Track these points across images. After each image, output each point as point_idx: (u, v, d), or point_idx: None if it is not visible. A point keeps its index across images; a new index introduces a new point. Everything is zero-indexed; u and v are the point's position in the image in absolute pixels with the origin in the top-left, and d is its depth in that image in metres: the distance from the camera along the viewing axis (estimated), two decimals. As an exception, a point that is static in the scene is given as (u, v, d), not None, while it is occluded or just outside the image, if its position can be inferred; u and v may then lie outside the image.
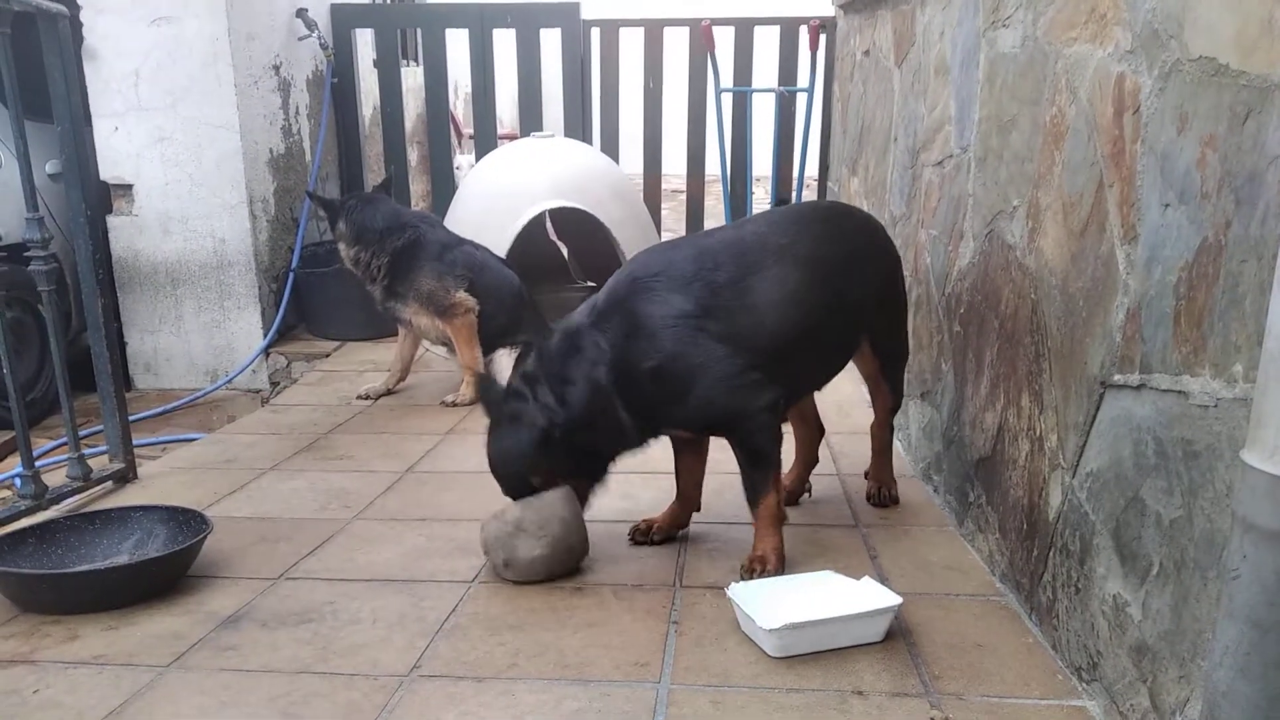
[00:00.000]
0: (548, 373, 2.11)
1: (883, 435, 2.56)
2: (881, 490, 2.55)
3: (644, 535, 2.34)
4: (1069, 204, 1.76)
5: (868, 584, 1.96)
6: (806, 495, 2.57)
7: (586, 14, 5.21)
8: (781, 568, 2.10)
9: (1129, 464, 1.52)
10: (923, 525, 2.42)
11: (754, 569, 2.09)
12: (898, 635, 1.88)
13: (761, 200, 7.46)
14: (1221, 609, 1.15)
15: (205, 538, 2.22)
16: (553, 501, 2.13)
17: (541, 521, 2.10)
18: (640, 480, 2.75)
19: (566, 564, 2.16)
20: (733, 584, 1.95)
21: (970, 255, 2.32)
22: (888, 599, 1.88)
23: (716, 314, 2.05)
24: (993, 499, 2.16)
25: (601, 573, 2.19)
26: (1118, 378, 1.55)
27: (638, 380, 2.04)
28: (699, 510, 2.40)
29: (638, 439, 2.14)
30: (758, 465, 2.12)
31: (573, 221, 4.62)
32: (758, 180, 6.63)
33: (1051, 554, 1.82)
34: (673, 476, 2.36)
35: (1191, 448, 1.33)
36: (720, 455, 2.36)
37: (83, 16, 4.14)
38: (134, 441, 2.96)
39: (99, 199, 4.09)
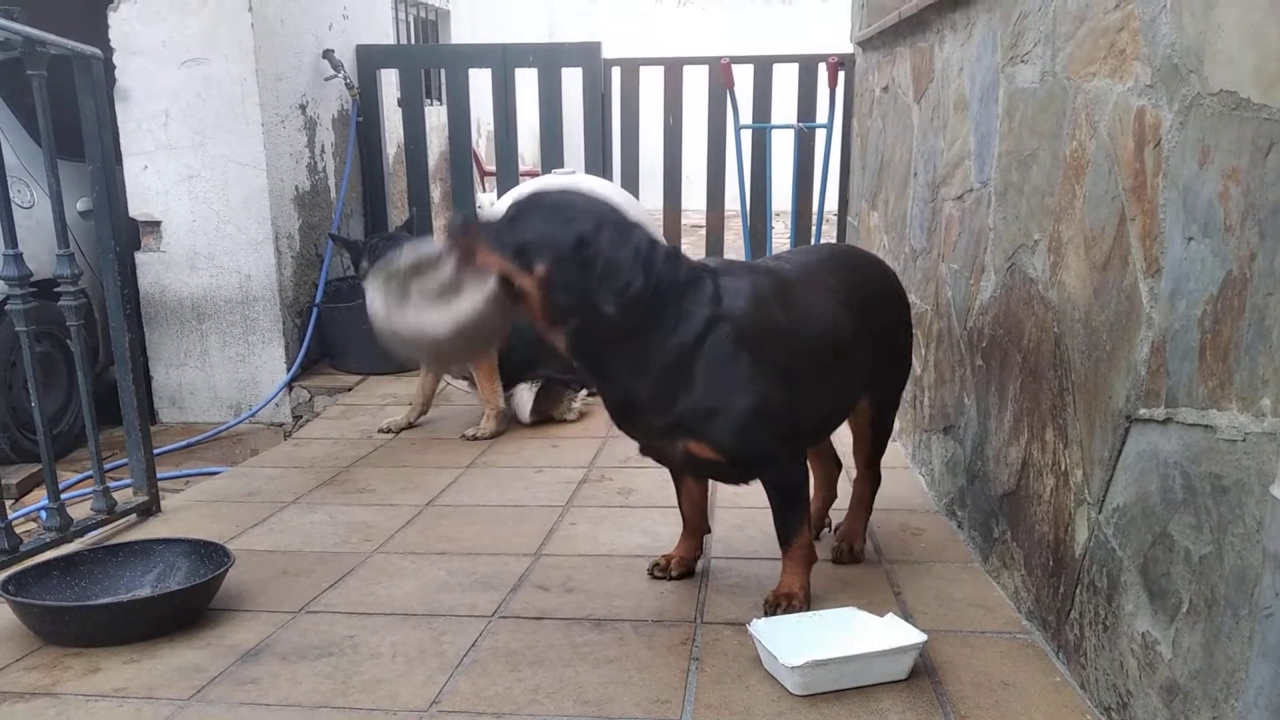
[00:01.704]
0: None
1: (864, 487, 2.47)
2: (843, 545, 2.41)
3: (663, 571, 2.33)
4: (1090, 238, 1.75)
5: (892, 621, 1.93)
6: (827, 530, 2.55)
7: (607, 53, 5.28)
8: (807, 606, 2.08)
9: (1156, 499, 1.50)
10: (947, 561, 2.39)
11: (779, 604, 2.07)
12: (923, 673, 1.86)
13: (781, 235, 7.48)
14: (1255, 648, 1.13)
15: (227, 571, 2.22)
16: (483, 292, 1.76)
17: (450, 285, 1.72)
18: (659, 515, 2.74)
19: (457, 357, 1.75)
20: (755, 620, 1.93)
21: (992, 289, 2.31)
22: (912, 636, 1.86)
23: (780, 344, 2.01)
24: (1018, 535, 2.13)
25: (622, 608, 2.18)
26: (1143, 412, 1.54)
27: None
28: (709, 533, 2.39)
29: None
30: (791, 505, 2.09)
31: (593, 257, 4.64)
32: (777, 215, 6.66)
33: (1078, 591, 1.79)
34: (694, 511, 2.35)
35: (1220, 483, 1.31)
36: (740, 489, 2.35)
37: (115, 59, 4.25)
38: (158, 475, 2.98)
39: (128, 235, 4.17)
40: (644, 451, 2.14)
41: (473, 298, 1.75)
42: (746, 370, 1.93)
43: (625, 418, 2.05)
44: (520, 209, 1.90)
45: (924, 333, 3.03)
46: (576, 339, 1.92)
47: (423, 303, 1.74)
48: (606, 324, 1.84)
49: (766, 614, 2.04)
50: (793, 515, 2.09)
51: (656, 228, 4.76)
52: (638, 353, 1.91)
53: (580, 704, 1.78)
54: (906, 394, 3.29)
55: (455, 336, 1.75)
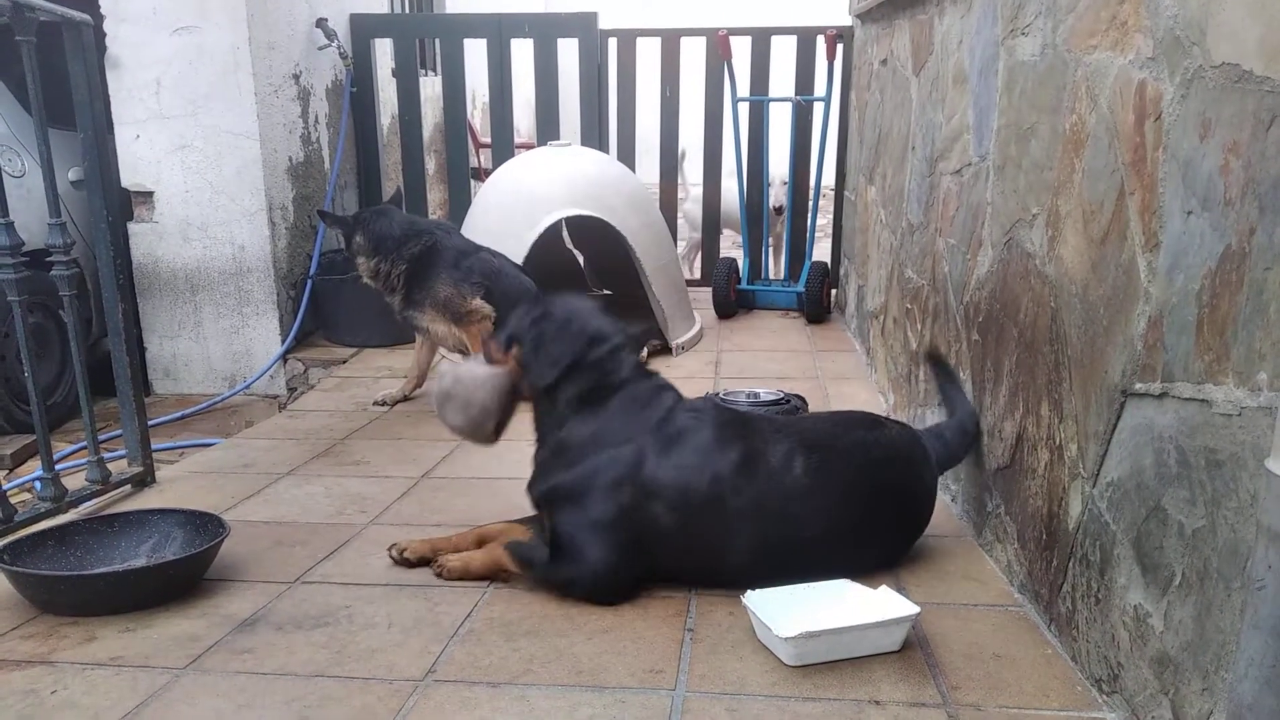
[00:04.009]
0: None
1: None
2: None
3: None
4: (1089, 212, 1.75)
5: (885, 593, 1.95)
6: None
7: (604, 24, 5.23)
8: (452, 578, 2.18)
9: (1150, 473, 1.50)
10: (940, 535, 2.40)
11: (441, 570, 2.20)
12: (915, 645, 1.87)
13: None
14: (1246, 620, 1.13)
15: (222, 541, 2.23)
16: (482, 384, 2.17)
17: (465, 402, 2.16)
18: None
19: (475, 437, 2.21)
20: (749, 591, 1.94)
21: (989, 264, 2.31)
22: (905, 608, 1.87)
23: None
24: (1011, 509, 2.14)
25: (616, 580, 2.18)
26: (1139, 386, 1.54)
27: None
28: None
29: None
30: (546, 567, 2.09)
31: (589, 230, 4.63)
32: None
33: (1071, 564, 1.81)
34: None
35: (1215, 457, 1.32)
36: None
37: (106, 26, 4.19)
38: (152, 446, 2.98)
39: (120, 206, 4.12)
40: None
41: (486, 385, 2.17)
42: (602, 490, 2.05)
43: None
44: (517, 314, 2.25)
45: (920, 308, 3.03)
46: (536, 412, 2.21)
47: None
48: (546, 399, 2.14)
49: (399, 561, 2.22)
50: (535, 563, 2.11)
51: (652, 201, 4.75)
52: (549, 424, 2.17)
53: (575, 673, 1.79)
54: (902, 370, 3.29)
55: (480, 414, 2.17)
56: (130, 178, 4.37)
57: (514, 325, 2.22)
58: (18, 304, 2.44)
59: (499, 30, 5.18)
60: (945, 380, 2.54)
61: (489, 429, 2.15)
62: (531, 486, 2.19)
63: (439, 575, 2.20)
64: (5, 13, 2.36)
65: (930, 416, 2.84)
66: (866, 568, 2.10)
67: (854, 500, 2.10)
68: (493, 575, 2.18)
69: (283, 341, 4.51)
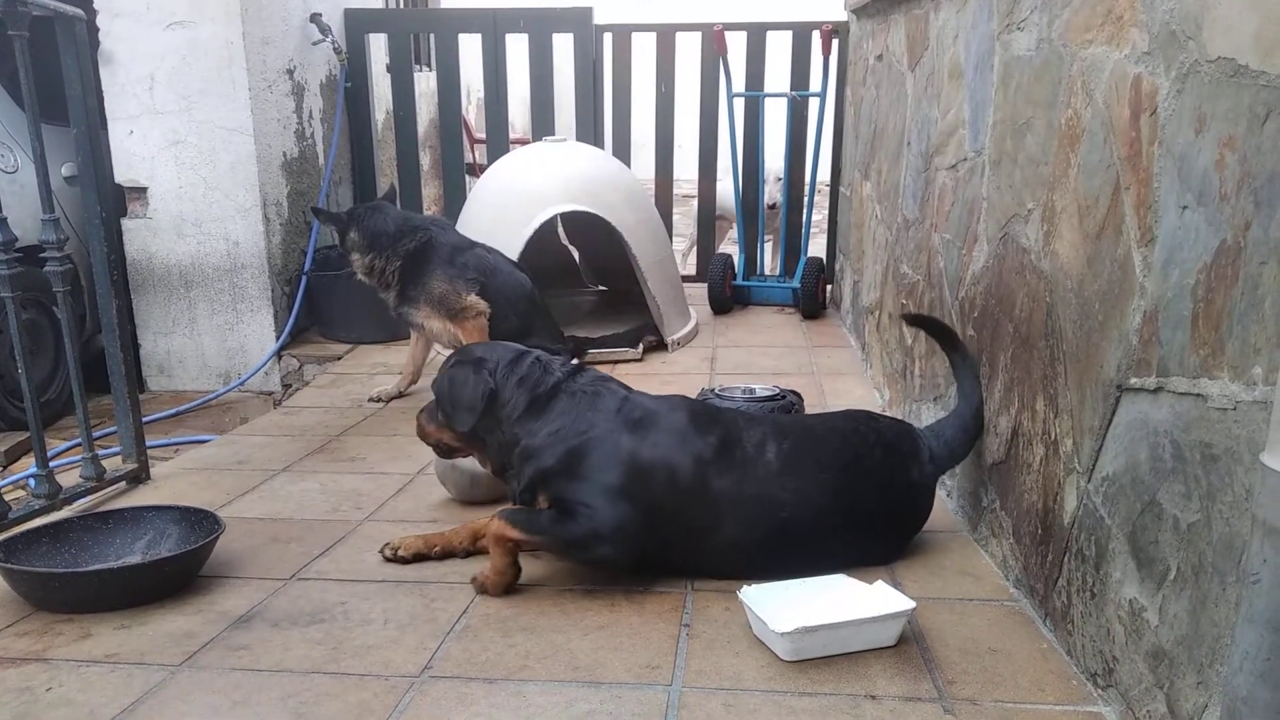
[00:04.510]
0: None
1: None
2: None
3: None
4: (1085, 207, 1.75)
5: (881, 588, 1.95)
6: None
7: (599, 19, 5.22)
8: (497, 593, 2.09)
9: (1145, 468, 1.51)
10: (935, 530, 2.40)
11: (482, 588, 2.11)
12: (911, 640, 1.87)
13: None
14: (1241, 614, 1.14)
15: (217, 538, 2.22)
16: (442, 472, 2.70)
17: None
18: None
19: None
20: (745, 587, 1.94)
21: (984, 259, 2.31)
22: (901, 603, 1.87)
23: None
24: (1007, 504, 2.14)
25: (612, 575, 2.18)
26: (1134, 381, 1.54)
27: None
28: None
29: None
30: (555, 523, 2.05)
31: (584, 226, 4.63)
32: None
33: (1066, 559, 1.81)
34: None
35: (1210, 451, 1.32)
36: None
37: (99, 21, 4.17)
38: (147, 443, 2.97)
39: (114, 201, 4.11)
40: None
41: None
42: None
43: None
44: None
45: (915, 303, 3.03)
46: (491, 459, 2.25)
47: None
48: (492, 438, 2.19)
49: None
50: (539, 522, 2.07)
51: (647, 197, 4.74)
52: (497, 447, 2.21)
53: (571, 669, 1.79)
54: (897, 365, 3.30)
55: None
56: (124, 173, 4.35)
57: (437, 396, 2.30)
58: (11, 300, 2.43)
59: (494, 25, 5.17)
60: (953, 355, 2.37)
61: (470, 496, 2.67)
62: (513, 491, 2.18)
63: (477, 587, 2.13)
64: (-3, 7, 2.35)
65: (926, 412, 2.85)
66: (853, 560, 2.11)
67: (831, 481, 2.13)
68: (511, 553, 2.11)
69: (277, 338, 4.50)
